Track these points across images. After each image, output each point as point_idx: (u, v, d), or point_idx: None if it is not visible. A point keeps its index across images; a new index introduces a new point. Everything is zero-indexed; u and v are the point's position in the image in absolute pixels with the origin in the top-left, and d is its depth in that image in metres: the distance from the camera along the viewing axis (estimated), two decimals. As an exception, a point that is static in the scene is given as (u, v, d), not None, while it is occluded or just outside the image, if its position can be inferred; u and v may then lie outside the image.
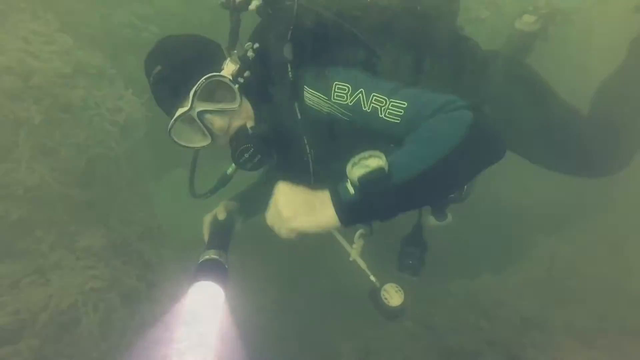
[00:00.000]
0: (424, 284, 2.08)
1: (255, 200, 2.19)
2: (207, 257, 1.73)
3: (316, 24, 1.62)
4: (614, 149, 2.23)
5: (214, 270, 1.67)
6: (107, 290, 3.53)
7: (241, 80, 1.60)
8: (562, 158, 2.22)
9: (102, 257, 3.62)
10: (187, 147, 1.67)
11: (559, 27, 2.95)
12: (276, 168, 2.02)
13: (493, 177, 1.51)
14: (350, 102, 1.49)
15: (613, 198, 3.64)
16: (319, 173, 1.73)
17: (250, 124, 1.66)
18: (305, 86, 1.58)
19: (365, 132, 1.53)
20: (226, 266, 1.73)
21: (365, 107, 1.47)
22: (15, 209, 3.34)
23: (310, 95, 1.57)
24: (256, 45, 1.65)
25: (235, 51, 1.67)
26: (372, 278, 1.83)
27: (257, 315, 3.06)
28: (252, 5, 1.68)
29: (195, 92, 1.52)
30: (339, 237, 1.82)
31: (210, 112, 1.58)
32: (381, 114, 1.45)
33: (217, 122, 1.60)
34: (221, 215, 1.97)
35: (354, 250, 1.83)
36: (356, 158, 1.36)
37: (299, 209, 1.39)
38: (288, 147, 1.71)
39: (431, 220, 2.12)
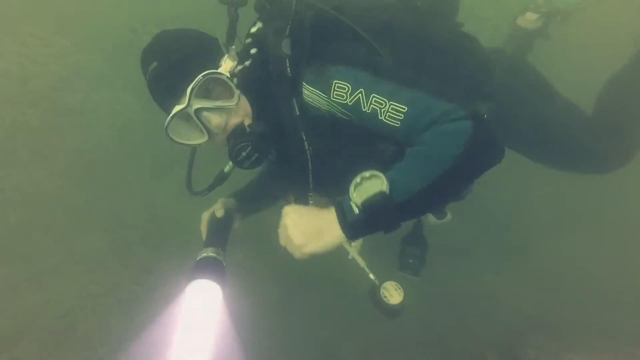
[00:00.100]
0: (423, 282, 2.07)
1: (253, 198, 2.19)
2: (204, 254, 1.70)
3: (315, 20, 1.61)
4: (617, 145, 2.22)
5: (211, 268, 1.65)
6: (105, 295, 3.52)
7: (239, 77, 1.58)
8: (564, 155, 2.21)
9: (100, 261, 3.61)
10: (184, 144, 1.66)
11: (559, 26, 2.95)
12: (275, 165, 2.02)
13: (494, 175, 1.50)
14: (350, 102, 1.48)
15: (616, 195, 3.62)
16: (317, 170, 1.72)
17: (248, 121, 1.64)
18: (304, 83, 1.56)
19: (364, 131, 1.53)
20: (224, 264, 1.71)
21: (364, 108, 1.46)
22: (13, 213, 3.34)
23: (309, 93, 1.56)
24: (254, 41, 1.64)
25: (234, 47, 1.66)
26: (371, 276, 1.82)
27: (255, 314, 3.03)
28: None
29: (193, 89, 1.50)
30: None
31: (208, 109, 1.56)
32: (381, 116, 1.44)
33: (215, 119, 1.58)
34: (219, 213, 1.95)
35: (353, 249, 1.82)
36: (358, 178, 1.43)
37: (308, 235, 1.48)
38: (286, 144, 1.70)
39: (431, 219, 2.11)
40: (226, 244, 1.84)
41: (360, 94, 1.46)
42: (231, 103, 1.56)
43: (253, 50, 1.63)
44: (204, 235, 1.91)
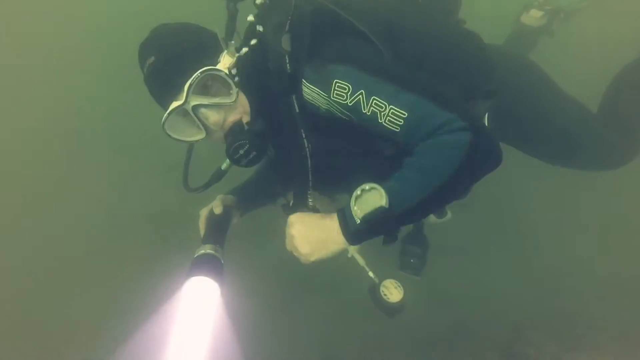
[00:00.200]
0: (423, 281, 2.06)
1: (252, 195, 2.17)
2: (202, 251, 1.69)
3: (315, 15, 1.58)
4: (621, 142, 2.21)
5: (209, 265, 1.63)
6: (101, 292, 3.53)
7: (237, 73, 1.55)
8: (566, 152, 2.20)
9: (97, 258, 3.62)
10: (182, 141, 1.64)
11: (563, 23, 2.94)
12: (274, 162, 2.00)
13: (495, 174, 1.50)
14: (350, 103, 1.47)
15: (619, 194, 3.61)
16: (316, 168, 1.70)
17: (246, 118, 1.62)
18: (303, 80, 1.54)
19: (363, 130, 1.51)
20: (222, 261, 1.70)
21: (364, 110, 1.45)
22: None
23: (309, 91, 1.54)
24: (251, 35, 1.62)
25: (233, 42, 1.63)
26: (371, 274, 1.81)
27: (253, 312, 3.04)
28: None
29: (190, 85, 1.48)
30: None
31: (206, 106, 1.54)
32: (380, 120, 1.44)
33: (212, 116, 1.56)
34: (217, 210, 1.93)
35: (353, 247, 1.80)
36: (358, 190, 1.46)
37: (314, 246, 1.55)
38: (285, 141, 1.68)
39: (431, 218, 2.10)
40: (224, 241, 1.83)
41: (360, 96, 1.44)
42: (229, 100, 1.54)
43: (253, 41, 1.60)
44: (202, 232, 1.89)
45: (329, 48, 1.54)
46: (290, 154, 1.69)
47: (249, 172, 2.19)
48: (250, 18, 1.64)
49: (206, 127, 1.58)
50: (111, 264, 4.20)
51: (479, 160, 1.40)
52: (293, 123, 1.61)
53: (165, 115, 1.52)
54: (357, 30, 1.58)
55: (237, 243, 2.14)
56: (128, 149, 5.31)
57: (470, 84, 1.82)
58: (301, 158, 1.67)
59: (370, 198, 1.44)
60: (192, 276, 1.57)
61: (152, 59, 1.52)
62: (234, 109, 1.58)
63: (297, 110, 1.58)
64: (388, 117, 1.42)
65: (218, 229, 1.87)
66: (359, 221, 1.45)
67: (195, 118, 1.54)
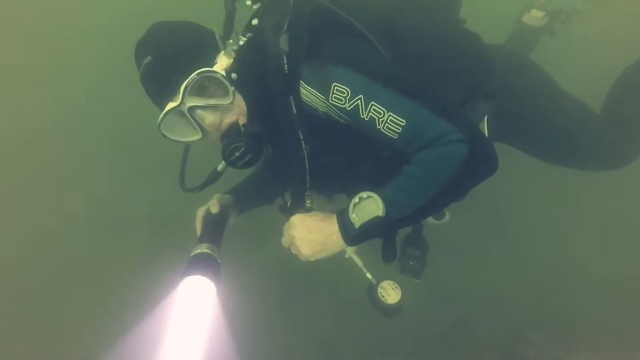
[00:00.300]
0: (423, 282, 2.05)
1: (250, 195, 2.16)
2: (198, 251, 1.68)
3: (314, 15, 1.57)
4: (623, 142, 2.20)
5: (205, 264, 1.62)
6: (97, 291, 3.53)
7: (234, 75, 1.54)
8: (566, 152, 2.18)
9: (93, 257, 3.62)
10: (177, 141, 1.63)
11: (563, 24, 2.93)
12: (272, 163, 1.99)
13: (494, 175, 1.50)
14: (349, 107, 1.46)
15: (619, 194, 3.60)
16: (314, 169, 1.69)
17: (242, 120, 1.61)
18: (301, 81, 1.52)
19: (361, 133, 1.51)
20: (219, 260, 1.69)
21: (363, 115, 1.45)
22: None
23: (307, 92, 1.52)
24: (249, 35, 1.61)
25: (231, 40, 1.61)
26: (369, 275, 1.80)
27: (254, 312, 3.04)
28: None
29: (186, 87, 1.47)
30: None
31: (202, 107, 1.53)
32: (379, 126, 1.44)
33: (209, 118, 1.55)
34: (214, 209, 1.92)
35: (350, 248, 1.79)
36: (356, 198, 1.50)
37: (315, 247, 1.61)
38: (283, 142, 1.66)
39: (429, 220, 2.09)
40: (221, 240, 1.82)
41: (359, 101, 1.44)
42: (226, 101, 1.53)
43: (249, 47, 1.58)
44: (198, 232, 1.89)
45: (328, 49, 1.53)
46: (288, 154, 1.68)
47: (246, 173, 2.18)
48: (255, 22, 1.62)
49: (202, 128, 1.57)
50: (111, 263, 4.20)
51: (475, 171, 1.44)
52: (290, 124, 1.59)
53: (161, 116, 1.52)
54: (357, 31, 1.57)
55: (236, 242, 2.14)
56: (128, 149, 5.30)
57: (470, 83, 1.80)
58: (299, 159, 1.65)
59: (367, 207, 1.48)
60: (188, 275, 1.56)
61: (149, 58, 1.51)
62: (231, 110, 1.57)
63: (295, 112, 1.57)
64: (386, 124, 1.42)
65: (215, 228, 1.86)
66: (358, 226, 1.50)
67: (191, 119, 1.53)
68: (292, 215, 1.72)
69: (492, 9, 3.62)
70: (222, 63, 1.55)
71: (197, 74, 1.46)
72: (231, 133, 1.57)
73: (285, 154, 1.70)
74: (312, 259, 1.64)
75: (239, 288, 2.29)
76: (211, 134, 1.60)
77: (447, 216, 2.07)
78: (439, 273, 2.75)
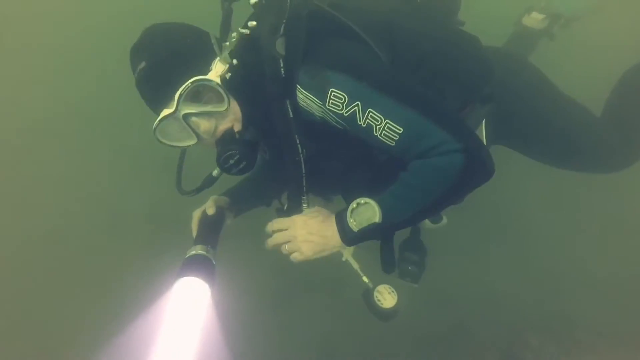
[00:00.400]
0: (422, 282, 2.05)
1: (246, 197, 2.15)
2: (194, 252, 1.68)
3: (311, 18, 1.56)
4: (623, 145, 2.19)
5: (200, 266, 1.62)
6: (91, 293, 3.52)
7: (229, 81, 1.51)
8: (565, 154, 2.17)
9: (88, 258, 3.62)
10: (173, 146, 1.62)
11: (562, 28, 2.93)
12: (268, 166, 1.98)
13: (493, 176, 1.50)
14: (346, 113, 1.45)
15: (618, 195, 3.59)
16: (311, 173, 1.69)
17: (237, 127, 1.59)
18: (298, 86, 1.51)
19: (358, 139, 1.52)
20: (214, 262, 1.68)
21: (360, 122, 1.44)
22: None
23: (304, 97, 1.52)
24: (246, 35, 1.59)
25: (227, 43, 1.59)
26: (365, 279, 1.80)
27: (252, 314, 3.03)
28: None
29: (181, 94, 1.45)
30: None
31: (196, 114, 1.52)
32: (376, 133, 1.44)
33: (204, 124, 1.54)
34: (210, 210, 1.91)
35: (347, 250, 1.79)
36: (354, 204, 1.54)
37: (315, 247, 1.65)
38: (279, 146, 1.66)
39: (426, 224, 2.09)
40: (217, 242, 1.82)
41: (356, 107, 1.43)
42: (221, 108, 1.51)
43: (245, 30, 1.56)
44: (194, 233, 1.88)
45: (325, 53, 1.52)
46: (285, 158, 1.68)
47: (241, 178, 2.17)
48: (251, 24, 1.60)
49: (197, 135, 1.56)
50: (111, 263, 4.19)
51: (470, 179, 1.47)
52: (287, 128, 1.59)
53: (156, 122, 1.51)
54: (354, 33, 1.56)
55: (233, 243, 2.13)
56: (128, 149, 5.30)
57: (469, 84, 1.79)
58: (295, 162, 1.65)
59: (365, 212, 1.53)
60: (182, 276, 1.55)
61: (143, 64, 1.49)
62: (225, 117, 1.55)
63: (291, 115, 1.56)
64: (383, 131, 1.43)
65: (211, 229, 1.85)
66: (356, 231, 1.55)
67: (186, 125, 1.52)
68: (289, 216, 1.73)
69: (491, 10, 3.61)
70: (217, 69, 1.51)
71: (192, 83, 1.44)
72: (226, 140, 1.56)
73: (282, 157, 1.69)
74: (311, 259, 1.67)
75: (235, 288, 2.28)
76: (206, 140, 1.59)
77: (445, 220, 2.08)
78: (438, 274, 2.75)
